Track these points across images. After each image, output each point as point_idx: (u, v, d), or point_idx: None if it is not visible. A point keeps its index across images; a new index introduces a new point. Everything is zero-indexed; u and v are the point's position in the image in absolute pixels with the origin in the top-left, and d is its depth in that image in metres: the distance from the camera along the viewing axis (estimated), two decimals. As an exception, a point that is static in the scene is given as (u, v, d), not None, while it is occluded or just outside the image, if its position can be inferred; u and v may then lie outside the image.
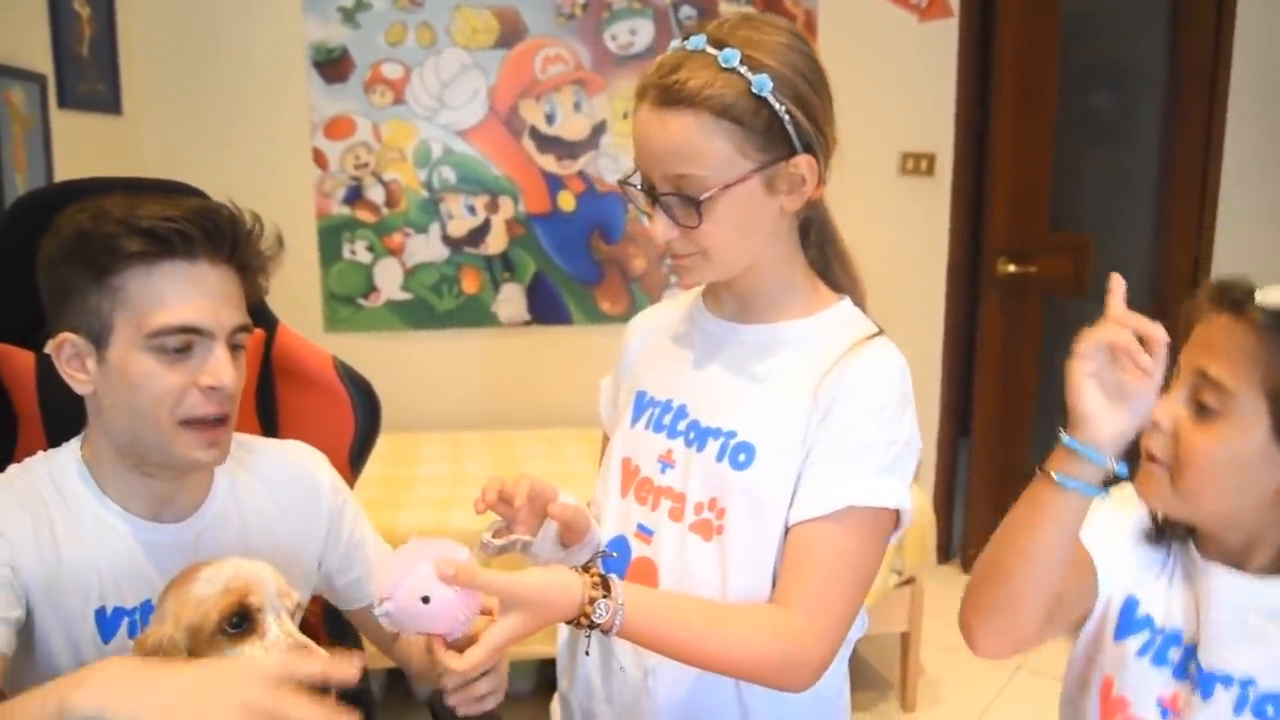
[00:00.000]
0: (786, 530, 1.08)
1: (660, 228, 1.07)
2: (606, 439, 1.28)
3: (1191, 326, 1.06)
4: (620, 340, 1.32)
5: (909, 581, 2.71)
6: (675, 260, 1.11)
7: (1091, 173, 3.75)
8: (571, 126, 3.34)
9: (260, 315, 1.42)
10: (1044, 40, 3.47)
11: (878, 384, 1.09)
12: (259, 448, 1.24)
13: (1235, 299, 1.00)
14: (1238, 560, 1.05)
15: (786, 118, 1.03)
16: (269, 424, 1.45)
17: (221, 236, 1.06)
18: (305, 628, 1.33)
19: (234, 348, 1.08)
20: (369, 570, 1.25)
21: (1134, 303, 3.49)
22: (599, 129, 3.35)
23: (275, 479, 1.21)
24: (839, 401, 1.07)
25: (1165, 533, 1.11)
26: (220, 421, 1.06)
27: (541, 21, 3.26)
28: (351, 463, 1.47)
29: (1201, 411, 0.99)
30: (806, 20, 3.31)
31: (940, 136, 3.57)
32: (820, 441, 1.07)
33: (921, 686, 2.83)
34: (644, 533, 1.16)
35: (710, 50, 1.02)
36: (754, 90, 1.01)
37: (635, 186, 1.09)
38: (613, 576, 0.99)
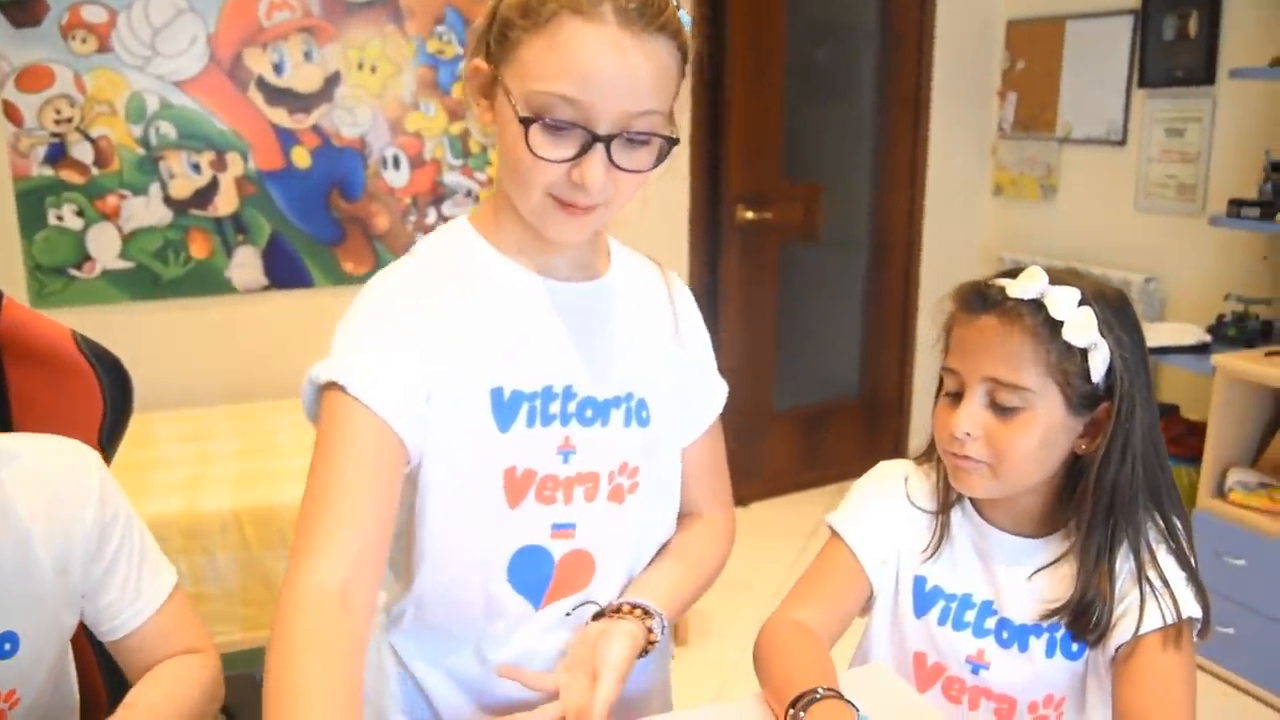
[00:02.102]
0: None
1: (602, 173, 0.92)
2: (382, 462, 0.96)
3: (949, 332, 1.14)
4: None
5: (675, 523, 2.79)
6: (584, 215, 0.97)
7: (819, 123, 3.95)
8: (302, 77, 3.15)
9: (-19, 288, 1.25)
10: (771, -5, 3.61)
11: (696, 307, 1.21)
12: (11, 449, 1.06)
13: (992, 300, 1.08)
14: (1017, 523, 1.16)
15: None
16: None
17: None
18: (81, 673, 1.20)
19: None
20: (128, 589, 1.09)
21: (857, 242, 3.71)
22: (333, 80, 3.18)
23: (34, 485, 1.04)
24: (687, 327, 1.17)
25: (946, 509, 1.21)
26: None
27: (262, -36, 3.04)
28: (102, 446, 1.32)
29: (1004, 411, 1.08)
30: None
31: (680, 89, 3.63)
32: (684, 367, 1.16)
33: (692, 620, 2.93)
34: (564, 530, 1.08)
35: None
36: (684, 24, 0.97)
37: (564, 124, 0.91)
38: (646, 604, 1.08)
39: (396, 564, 1.08)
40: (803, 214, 3.86)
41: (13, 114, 2.86)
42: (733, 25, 3.54)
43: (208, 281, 3.13)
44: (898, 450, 4.36)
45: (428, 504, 1.02)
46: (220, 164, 3.08)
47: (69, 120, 2.91)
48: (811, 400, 4.21)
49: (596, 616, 1.09)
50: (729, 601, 3.12)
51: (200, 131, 3.04)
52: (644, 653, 1.07)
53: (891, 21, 3.98)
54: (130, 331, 3.05)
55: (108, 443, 1.33)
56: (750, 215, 3.67)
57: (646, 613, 1.08)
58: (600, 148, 0.92)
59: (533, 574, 1.07)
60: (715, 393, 1.22)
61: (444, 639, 1.09)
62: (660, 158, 0.97)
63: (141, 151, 2.99)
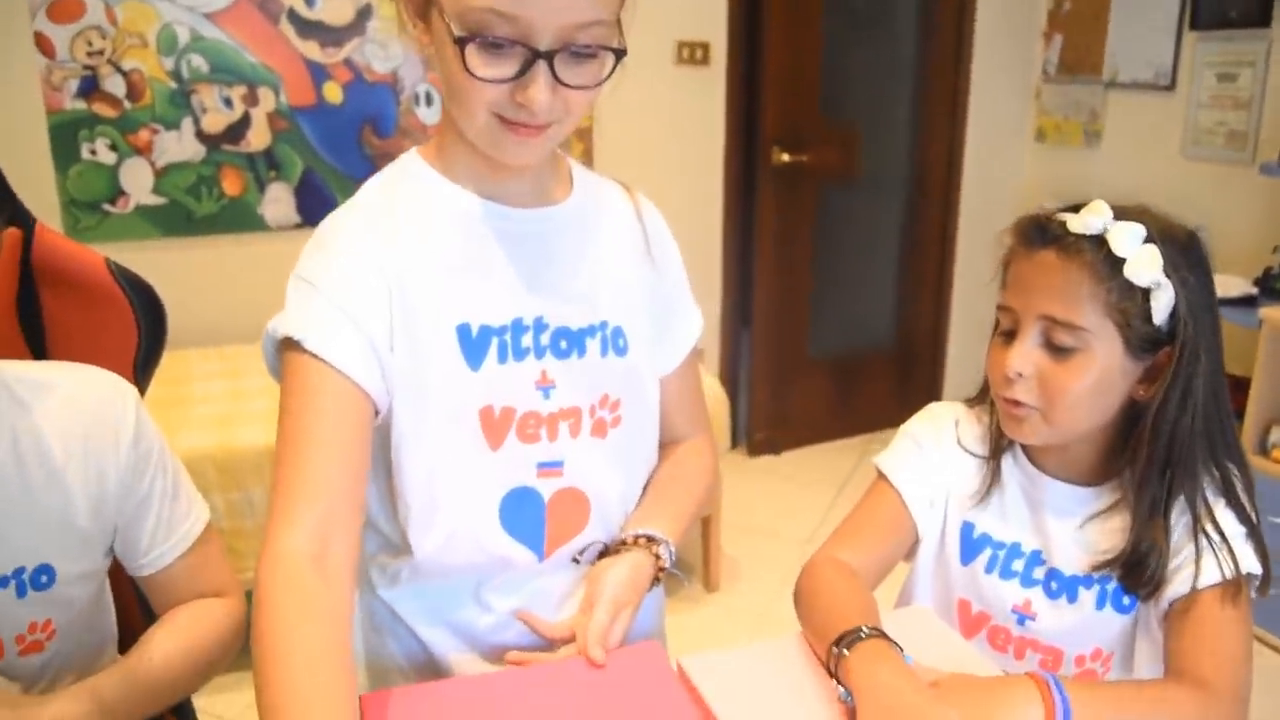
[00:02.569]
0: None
1: (547, 91, 0.87)
2: (353, 408, 0.92)
3: (1007, 267, 1.09)
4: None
5: (707, 467, 2.76)
6: (534, 135, 0.91)
7: (857, 63, 3.86)
8: (334, 10, 3.10)
9: (15, 211, 1.24)
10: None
11: (666, 226, 1.16)
12: (46, 381, 1.04)
13: (1052, 234, 1.03)
14: (1069, 471, 1.12)
15: None
16: (35, 338, 1.27)
17: None
18: (119, 605, 1.20)
19: None
20: (160, 526, 1.08)
21: (895, 186, 3.63)
22: (364, 13, 3.13)
23: (68, 419, 1.03)
24: (659, 250, 1.12)
25: (997, 454, 1.16)
26: None
27: (295, -107, 2.98)
28: (137, 375, 1.31)
29: (1059, 352, 1.03)
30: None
31: (714, 26, 3.56)
32: (659, 292, 1.12)
33: (724, 566, 2.93)
34: (551, 468, 1.04)
35: None
36: None
37: (503, 42, 0.85)
38: (649, 532, 1.07)
39: (385, 523, 1.04)
40: (840, 156, 3.79)
41: (45, 46, 2.84)
42: (772, -39, 3.46)
43: (240, 218, 3.11)
44: (931, 399, 4.30)
45: (404, 455, 0.98)
46: (252, 98, 3.05)
47: (100, 52, 2.89)
48: (846, 347, 4.17)
49: (602, 555, 1.07)
50: (760, 548, 3.12)
51: (231, 65, 3.01)
52: (656, 580, 1.06)
53: (935, -42, 3.87)
54: (163, 267, 3.01)
55: (142, 370, 1.32)
56: (786, 157, 3.60)
57: (651, 540, 1.06)
58: (542, 65, 0.86)
59: (525, 517, 1.03)
60: (691, 319, 1.18)
61: (445, 594, 1.06)
62: (609, 71, 0.91)
63: (173, 85, 2.97)
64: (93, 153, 2.93)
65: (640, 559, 1.04)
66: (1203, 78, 3.42)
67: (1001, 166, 4.12)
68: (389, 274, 0.94)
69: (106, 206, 2.97)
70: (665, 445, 1.17)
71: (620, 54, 0.90)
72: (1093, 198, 1.05)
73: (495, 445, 1.00)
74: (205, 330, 3.04)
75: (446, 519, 1.01)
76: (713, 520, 2.82)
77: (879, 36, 3.95)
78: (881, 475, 1.20)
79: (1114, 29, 3.70)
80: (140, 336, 1.31)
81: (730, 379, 3.93)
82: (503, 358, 0.99)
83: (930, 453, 1.19)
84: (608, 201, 1.11)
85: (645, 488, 1.14)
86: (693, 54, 3.54)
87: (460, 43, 0.85)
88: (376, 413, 0.95)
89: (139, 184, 2.99)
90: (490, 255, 0.99)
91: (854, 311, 4.23)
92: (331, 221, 0.99)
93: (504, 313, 0.99)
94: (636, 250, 1.10)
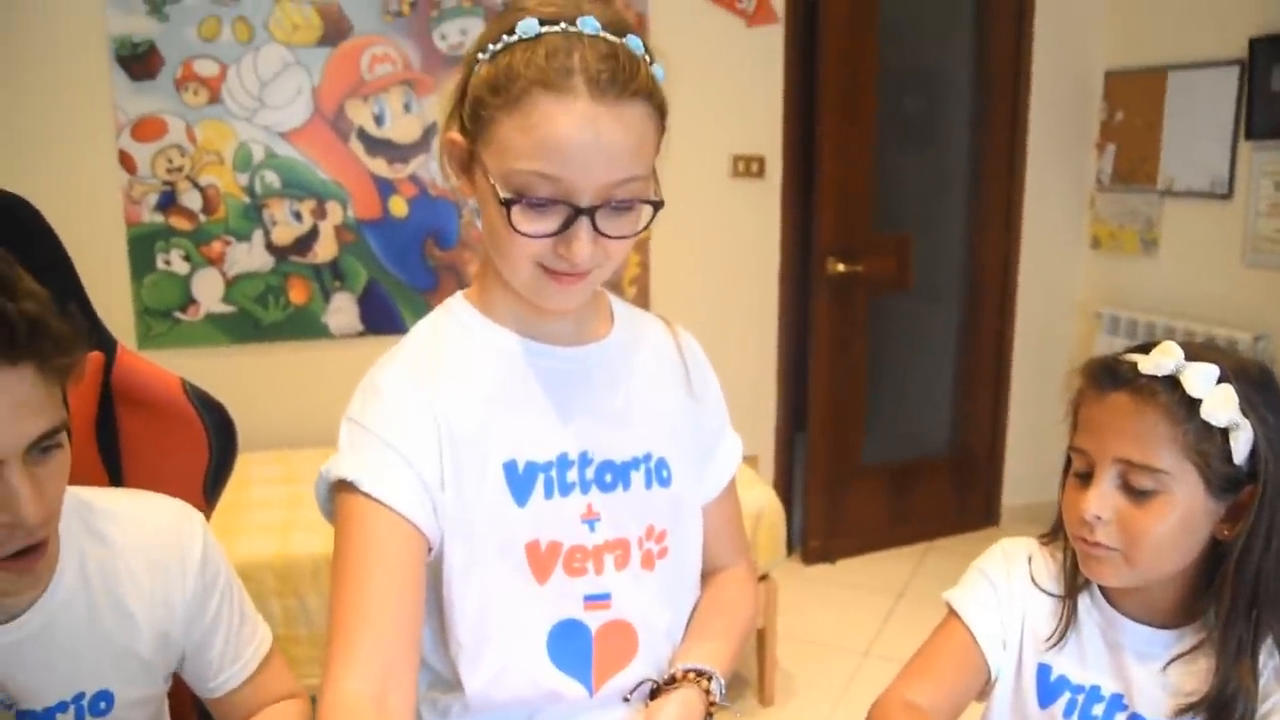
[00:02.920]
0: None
1: (589, 245, 0.92)
2: (406, 549, 0.94)
3: (1077, 410, 1.08)
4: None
5: (763, 578, 2.74)
6: (575, 282, 0.96)
7: (909, 173, 3.91)
8: (402, 128, 3.22)
9: (99, 335, 1.29)
10: (864, 46, 3.59)
11: (707, 361, 1.20)
12: (116, 510, 1.08)
13: (1124, 376, 1.03)
14: (1149, 612, 1.10)
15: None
16: (111, 456, 1.31)
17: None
18: (177, 713, 1.22)
19: (46, 450, 0.90)
20: (228, 650, 1.10)
21: (949, 294, 3.63)
22: (430, 131, 3.25)
23: (136, 548, 1.05)
24: (699, 380, 1.16)
25: (1074, 594, 1.14)
26: (33, 550, 0.92)
27: (367, 19, 3.13)
28: (206, 493, 1.35)
29: (1138, 494, 1.02)
30: (638, 23, 3.31)
31: (770, 140, 3.64)
32: (700, 422, 1.15)
33: (779, 680, 2.87)
34: (598, 601, 1.04)
35: (611, 36, 0.91)
36: (658, 81, 0.96)
37: (546, 202, 0.90)
38: (698, 667, 1.06)
39: (437, 659, 1.05)
40: (894, 265, 3.81)
41: (127, 163, 2.98)
42: (823, 76, 3.53)
43: (305, 326, 3.20)
44: (989, 509, 4.24)
45: (454, 591, 0.99)
46: (321, 212, 3.16)
47: (179, 169, 3.02)
48: (901, 455, 4.13)
49: (654, 694, 1.06)
50: (815, 660, 3.06)
51: (303, 180, 3.13)
52: (708, 716, 1.06)
53: (986, 70, 3.93)
54: (229, 373, 3.13)
55: (211, 490, 1.36)
56: (841, 267, 3.63)
57: (701, 674, 1.06)
58: (584, 220, 0.91)
59: (573, 650, 1.03)
60: (732, 447, 1.21)
61: None
62: (647, 221, 0.97)
63: (247, 199, 3.09)
64: (167, 263, 3.04)
65: (691, 696, 1.04)
66: (1260, 186, 3.40)
67: (1057, 274, 4.11)
68: (437, 414, 0.98)
69: (178, 314, 3.07)
70: (706, 574, 1.19)
71: (657, 206, 0.96)
72: (1152, 305, 1.04)
73: (542, 579, 1.01)
74: (268, 435, 3.11)
75: (496, 653, 1.01)
76: (767, 631, 2.78)
77: (932, 147, 4.00)
78: (952, 612, 1.17)
79: (1168, 138, 3.71)
80: (211, 457, 1.35)
81: (785, 486, 3.90)
82: (549, 493, 1.01)
83: (1003, 590, 1.16)
84: (648, 335, 1.15)
85: (690, 619, 1.15)
86: (748, 167, 3.61)
87: (506, 204, 0.91)
88: (429, 550, 0.97)
89: (210, 293, 3.09)
90: (534, 392, 1.03)
91: (909, 418, 4.20)
92: (381, 367, 1.02)
93: (549, 449, 1.02)
94: (677, 382, 1.14)
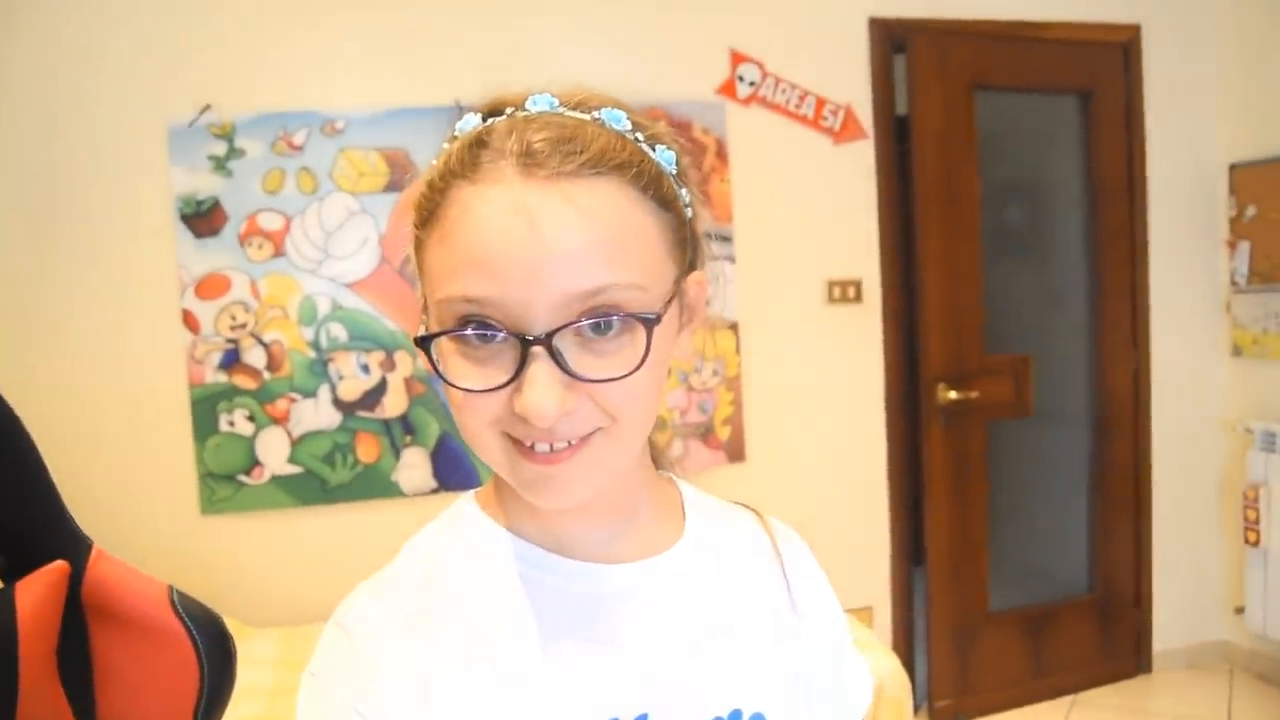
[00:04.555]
0: None
1: (553, 393, 0.62)
2: None
3: None
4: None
5: (889, 762, 2.37)
6: (558, 460, 0.65)
7: (1022, 290, 3.61)
8: (472, 271, 3.06)
9: (65, 541, 1.08)
10: (962, 158, 3.36)
11: (815, 563, 0.87)
12: None
13: None
14: None
15: (688, 213, 0.71)
16: (79, 688, 1.08)
17: None
18: None
19: None
20: None
21: (1076, 417, 3.22)
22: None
23: None
24: (806, 596, 0.84)
25: None
26: None
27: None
28: (197, 728, 1.10)
29: None
30: (718, 149, 3.12)
31: (867, 262, 3.39)
32: (809, 654, 0.82)
33: None
34: None
35: (573, 113, 0.67)
36: (662, 166, 0.68)
37: (477, 336, 0.63)
38: None
39: None
40: (1011, 389, 3.47)
41: (191, 322, 2.87)
42: (920, 192, 3.30)
43: (375, 485, 3.00)
44: (1139, 655, 3.76)
45: None
46: (389, 364, 2.99)
47: (243, 325, 2.89)
48: (1034, 598, 3.71)
49: None
50: None
51: (370, 332, 2.97)
52: None
53: (1098, 175, 3.64)
54: (296, 538, 2.95)
55: (204, 722, 1.11)
56: (953, 394, 3.32)
57: None
58: (539, 354, 0.61)
59: None
60: (857, 682, 0.88)
61: None
62: (645, 348, 0.64)
63: (312, 354, 2.94)
64: (231, 424, 2.89)
65: None
66: None
67: (1196, 388, 3.72)
68: (428, 670, 0.69)
69: (242, 477, 2.90)
70: None
71: (650, 322, 0.63)
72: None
73: None
74: (332, 603, 2.87)
75: None
76: (899, 826, 2.39)
77: (1044, 261, 3.71)
78: None
79: (1310, 232, 3.36)
80: (203, 683, 1.10)
81: (904, 637, 3.51)
82: None
83: None
84: (734, 537, 0.84)
85: None
86: (845, 292, 3.35)
87: (422, 343, 0.65)
88: None
89: (275, 454, 2.92)
90: (568, 635, 0.72)
91: (1041, 556, 3.80)
92: (355, 598, 0.74)
93: (595, 712, 0.71)
94: (776, 601, 0.82)
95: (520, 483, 0.67)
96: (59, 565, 1.04)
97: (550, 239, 0.60)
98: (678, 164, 0.70)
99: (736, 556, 0.82)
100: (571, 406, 0.63)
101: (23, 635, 0.95)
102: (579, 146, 0.63)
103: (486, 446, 0.67)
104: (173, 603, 1.11)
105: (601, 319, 0.62)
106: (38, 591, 1.01)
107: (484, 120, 0.67)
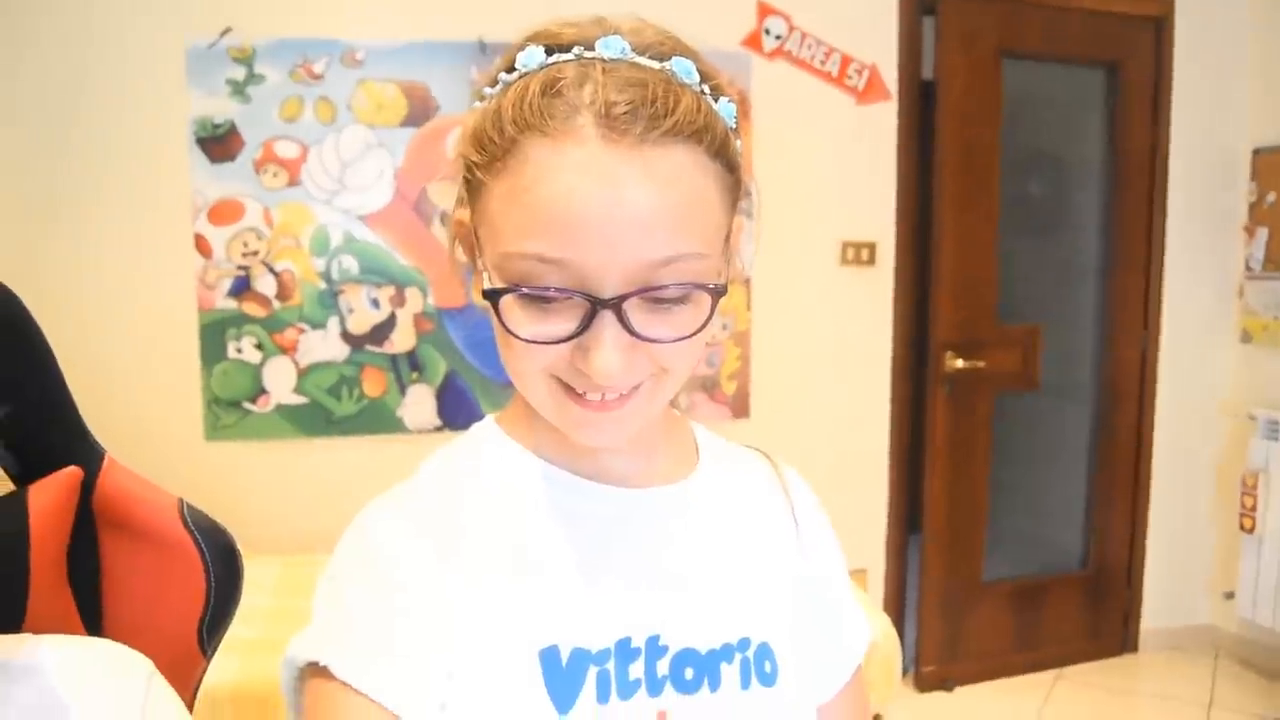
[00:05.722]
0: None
1: (619, 354, 0.64)
2: None
3: None
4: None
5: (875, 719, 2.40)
6: (610, 407, 0.67)
7: (1036, 262, 3.59)
8: (487, 212, 3.04)
9: (79, 448, 1.08)
10: (985, 125, 3.33)
11: (820, 508, 0.88)
12: (36, 664, 0.84)
13: None
14: None
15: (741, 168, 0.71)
16: (87, 591, 1.08)
17: None
18: None
19: None
20: None
21: (1082, 393, 3.23)
22: (517, 215, 3.06)
23: (54, 712, 0.82)
24: (811, 538, 0.86)
25: None
26: None
27: (454, 99, 2.97)
28: (202, 639, 1.11)
29: None
30: (740, 101, 3.09)
31: (882, 225, 3.37)
32: (813, 593, 0.84)
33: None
34: None
35: (646, 61, 0.65)
36: (727, 123, 0.68)
37: (545, 295, 0.63)
38: None
39: None
40: (1020, 361, 3.47)
41: (203, 247, 2.86)
42: (942, 158, 3.27)
43: (380, 419, 3.00)
44: (1126, 634, 3.79)
45: None
46: (399, 299, 2.98)
47: (255, 253, 2.88)
48: (1027, 571, 3.73)
49: None
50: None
51: (381, 266, 2.96)
52: None
53: (1120, 151, 3.61)
54: (299, 468, 2.96)
55: (209, 636, 1.11)
56: (960, 363, 3.31)
57: None
58: (608, 318, 0.63)
59: None
60: (856, 627, 0.88)
61: None
62: (708, 314, 0.67)
63: (323, 285, 2.93)
64: (239, 351, 2.89)
65: None
66: None
67: (1203, 372, 3.71)
68: (446, 578, 0.70)
69: (247, 405, 2.91)
70: None
71: (717, 293, 0.66)
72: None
73: None
74: (333, 534, 2.89)
75: None
76: (882, 783, 2.42)
77: (1061, 234, 3.69)
78: None
79: (1329, 222, 3.34)
80: (209, 596, 1.11)
81: (896, 602, 3.54)
82: (603, 695, 0.71)
83: None
84: (746, 478, 0.85)
85: None
86: (858, 254, 3.34)
87: (491, 297, 0.65)
88: None
89: (281, 383, 2.92)
90: (586, 552, 0.74)
91: (1037, 530, 3.81)
92: (376, 508, 0.75)
93: (605, 632, 0.72)
94: (783, 537, 0.84)
95: (565, 422, 0.69)
96: (72, 470, 1.04)
97: (631, 209, 0.61)
98: (734, 116, 0.70)
99: (747, 493, 0.84)
100: (630, 363, 0.65)
101: (34, 537, 0.96)
102: (661, 111, 0.62)
103: (535, 389, 0.68)
104: (183, 515, 1.11)
105: (674, 287, 0.64)
106: (50, 495, 1.01)
107: (548, 55, 0.66)
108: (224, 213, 2.86)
